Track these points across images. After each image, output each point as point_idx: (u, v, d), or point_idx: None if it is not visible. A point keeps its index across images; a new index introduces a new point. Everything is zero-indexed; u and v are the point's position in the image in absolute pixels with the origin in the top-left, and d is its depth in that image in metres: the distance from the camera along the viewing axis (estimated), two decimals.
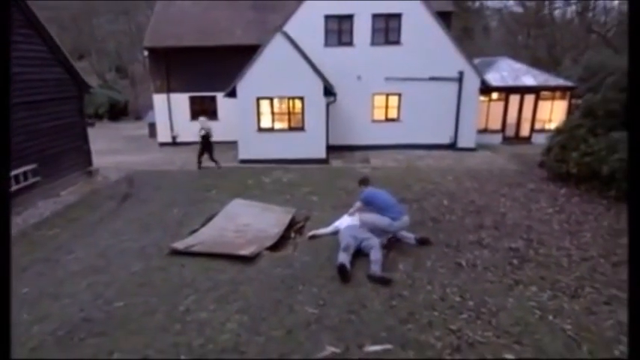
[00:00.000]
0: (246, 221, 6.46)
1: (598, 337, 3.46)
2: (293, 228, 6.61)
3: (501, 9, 36.75)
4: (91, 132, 19.82)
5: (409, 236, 5.45)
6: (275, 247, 5.67)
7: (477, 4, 36.84)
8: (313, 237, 5.73)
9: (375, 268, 4.45)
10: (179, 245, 5.31)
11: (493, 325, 3.59)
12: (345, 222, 5.56)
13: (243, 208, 7.02)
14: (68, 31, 31.36)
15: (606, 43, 30.77)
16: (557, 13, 33.11)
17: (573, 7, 33.00)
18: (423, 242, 5.38)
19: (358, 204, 5.45)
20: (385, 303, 3.93)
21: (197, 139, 11.89)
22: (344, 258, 4.57)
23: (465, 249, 5.31)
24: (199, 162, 11.82)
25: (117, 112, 30.32)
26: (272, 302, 3.93)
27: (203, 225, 6.39)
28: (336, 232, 5.51)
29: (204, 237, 5.79)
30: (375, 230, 5.12)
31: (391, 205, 5.25)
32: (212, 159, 11.74)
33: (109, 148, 17.66)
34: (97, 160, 12.03)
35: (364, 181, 5.73)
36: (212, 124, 15.46)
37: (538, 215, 6.84)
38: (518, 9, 35.55)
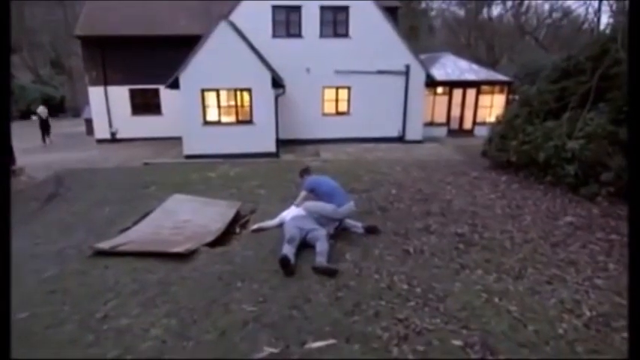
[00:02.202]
0: (186, 217, 5.96)
1: (542, 316, 3.45)
2: (238, 222, 6.23)
3: (444, 10, 38.38)
4: (20, 129, 18.07)
5: (357, 225, 5.28)
6: (217, 242, 5.25)
7: (423, 4, 38.05)
8: (257, 230, 5.37)
9: (321, 259, 4.20)
10: (104, 245, 4.72)
11: (441, 311, 3.47)
12: (291, 213, 5.27)
13: (183, 203, 6.49)
14: None
15: (538, 44, 33.23)
16: (495, 15, 35.17)
17: (509, 12, 35.34)
18: (371, 231, 5.22)
19: (304, 193, 5.21)
20: (331, 295, 3.68)
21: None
22: (288, 250, 4.27)
23: (412, 236, 5.22)
24: (43, 139, 16.53)
25: (52, 109, 28.00)
26: (206, 302, 3.53)
27: (136, 223, 5.80)
28: (282, 224, 5.21)
29: (136, 235, 5.23)
30: (321, 219, 4.89)
31: (335, 191, 5.08)
32: (48, 136, 16.66)
33: (40, 146, 16.14)
34: (24, 159, 10.86)
35: (306, 171, 5.52)
36: (155, 120, 15.31)
37: (482, 201, 6.97)
38: (460, 11, 37.35)
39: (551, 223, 5.96)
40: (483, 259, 4.60)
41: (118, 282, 3.94)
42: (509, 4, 34.42)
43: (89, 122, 16.95)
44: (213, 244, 5.15)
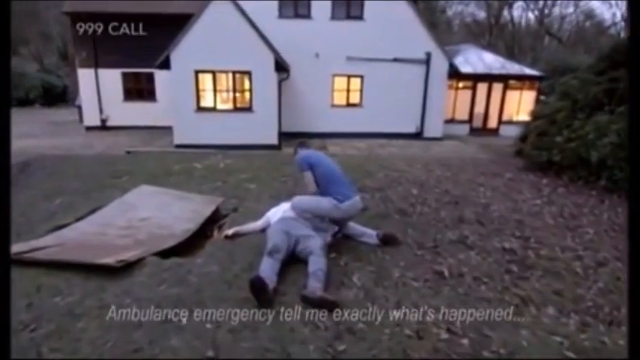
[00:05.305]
0: (146, 214, 4.62)
1: None
2: (216, 223, 4.89)
3: (463, 10, 36.94)
4: (13, 117, 16.96)
5: (369, 233, 3.85)
6: (182, 249, 3.91)
7: (441, 3, 36.52)
8: (234, 236, 4.00)
9: (315, 285, 2.80)
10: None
11: None
12: (280, 211, 3.89)
13: (149, 196, 5.15)
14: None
15: (562, 45, 31.81)
16: (516, 15, 33.89)
17: (531, 15, 34.04)
18: (387, 241, 3.79)
19: (309, 175, 3.65)
20: (325, 349, 2.28)
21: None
22: (267, 267, 2.90)
23: (445, 251, 3.80)
24: None
25: (53, 98, 27.61)
26: (120, 353, 2.16)
27: (79, 219, 4.48)
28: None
29: (70, 236, 3.90)
30: (317, 222, 3.49)
31: (337, 176, 3.69)
32: None
33: (25, 132, 15.04)
34: None
35: (302, 144, 4.06)
36: (149, 107, 14.48)
37: (526, 207, 5.53)
38: (479, 11, 35.86)
39: (622, 239, 4.52)
40: (551, 290, 3.17)
41: None
42: (531, 4, 32.93)
43: (81, 109, 15.81)
44: (174, 251, 3.81)
